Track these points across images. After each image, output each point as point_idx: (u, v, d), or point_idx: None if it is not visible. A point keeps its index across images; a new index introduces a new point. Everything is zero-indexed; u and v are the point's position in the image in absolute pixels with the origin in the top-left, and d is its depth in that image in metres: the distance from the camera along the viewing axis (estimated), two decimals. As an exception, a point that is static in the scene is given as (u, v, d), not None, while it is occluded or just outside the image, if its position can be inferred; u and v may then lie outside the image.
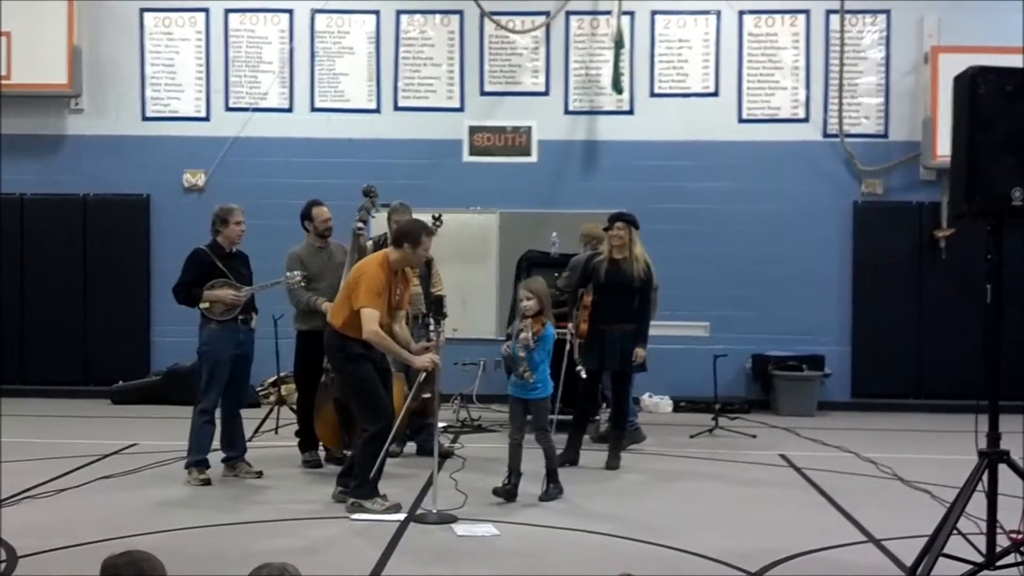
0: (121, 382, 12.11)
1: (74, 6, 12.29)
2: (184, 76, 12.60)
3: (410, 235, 7.09)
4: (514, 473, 7.34)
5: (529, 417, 7.46)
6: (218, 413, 7.98)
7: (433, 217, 8.88)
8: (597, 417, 9.45)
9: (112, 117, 12.61)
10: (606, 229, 8.85)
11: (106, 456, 8.72)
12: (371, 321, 6.83)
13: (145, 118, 12.61)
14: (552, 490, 7.38)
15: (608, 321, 8.54)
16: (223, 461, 8.07)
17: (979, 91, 5.20)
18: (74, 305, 12.55)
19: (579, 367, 8.34)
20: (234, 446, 8.09)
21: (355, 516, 6.80)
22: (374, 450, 6.90)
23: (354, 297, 6.93)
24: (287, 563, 3.15)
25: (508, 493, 7.26)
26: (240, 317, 7.90)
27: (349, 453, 8.07)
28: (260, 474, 8.00)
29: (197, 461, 7.82)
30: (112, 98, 12.61)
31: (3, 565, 5.64)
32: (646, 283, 8.62)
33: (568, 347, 8.98)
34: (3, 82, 12.11)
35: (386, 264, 7.05)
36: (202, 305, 7.84)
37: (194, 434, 7.85)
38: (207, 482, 7.74)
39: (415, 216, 8.94)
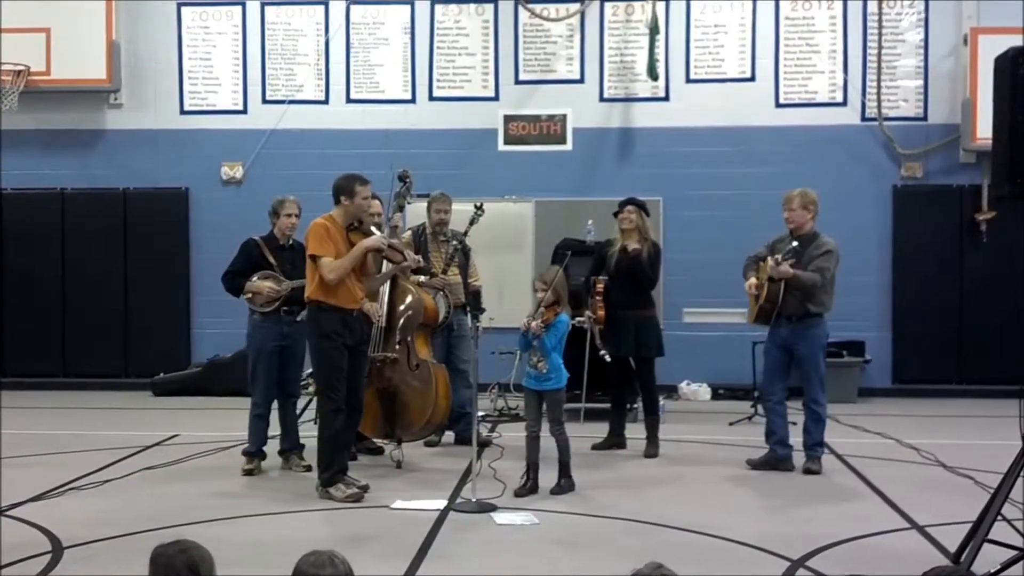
0: (162, 374, 12.20)
1: (112, 3, 12.40)
2: (221, 70, 12.68)
3: (343, 188, 7.12)
4: (532, 467, 7.26)
5: (544, 409, 7.37)
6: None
7: (475, 207, 8.92)
8: (635, 405, 9.43)
9: (151, 111, 12.73)
10: (615, 214, 8.85)
11: (148, 448, 8.80)
12: (327, 268, 6.86)
13: (183, 112, 12.72)
14: (565, 484, 7.23)
15: (622, 307, 8.58)
16: (279, 453, 8.12)
17: (1021, 71, 5.15)
18: (114, 298, 12.68)
19: (602, 351, 8.28)
20: (286, 438, 8.11)
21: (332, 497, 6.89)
22: (330, 434, 7.00)
23: (310, 257, 6.98)
24: (335, 550, 3.16)
25: (529, 491, 7.17)
26: (284, 309, 7.89)
27: (387, 443, 8.14)
28: (310, 468, 7.84)
29: (247, 451, 7.93)
30: (150, 92, 12.72)
31: (49, 556, 5.69)
32: (651, 264, 8.67)
33: (589, 334, 8.96)
34: (43, 78, 12.23)
35: (332, 222, 7.07)
36: (244, 295, 7.92)
37: (248, 426, 7.94)
38: (249, 472, 7.81)
39: (455, 206, 8.98)
